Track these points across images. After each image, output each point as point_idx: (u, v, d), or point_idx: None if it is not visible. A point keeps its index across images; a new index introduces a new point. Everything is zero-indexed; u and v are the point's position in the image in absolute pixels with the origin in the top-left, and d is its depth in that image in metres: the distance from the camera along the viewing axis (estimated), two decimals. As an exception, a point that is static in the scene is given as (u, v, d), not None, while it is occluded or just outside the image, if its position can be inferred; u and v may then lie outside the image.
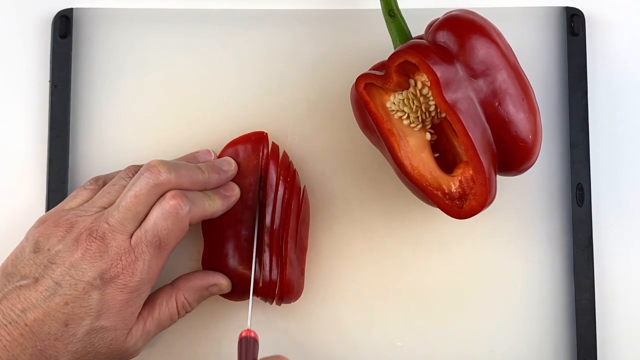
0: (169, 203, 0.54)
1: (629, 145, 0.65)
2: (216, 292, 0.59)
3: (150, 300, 0.57)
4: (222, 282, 0.59)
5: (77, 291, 0.52)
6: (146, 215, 0.54)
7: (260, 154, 0.60)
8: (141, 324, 0.56)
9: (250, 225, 0.59)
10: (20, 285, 0.52)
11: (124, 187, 0.56)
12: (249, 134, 0.61)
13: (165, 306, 0.57)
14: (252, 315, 0.56)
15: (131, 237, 0.53)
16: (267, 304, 0.61)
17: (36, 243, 0.54)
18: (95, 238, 0.53)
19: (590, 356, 0.62)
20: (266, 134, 0.61)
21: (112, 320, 0.53)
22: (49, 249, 0.53)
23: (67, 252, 0.53)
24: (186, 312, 0.59)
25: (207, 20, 0.65)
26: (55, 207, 0.57)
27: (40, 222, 0.56)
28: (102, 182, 0.59)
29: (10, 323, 0.51)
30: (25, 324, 0.51)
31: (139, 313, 0.56)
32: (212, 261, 0.60)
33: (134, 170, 0.57)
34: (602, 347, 0.63)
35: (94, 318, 0.52)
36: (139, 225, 0.54)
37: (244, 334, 0.54)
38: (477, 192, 0.54)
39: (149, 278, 0.54)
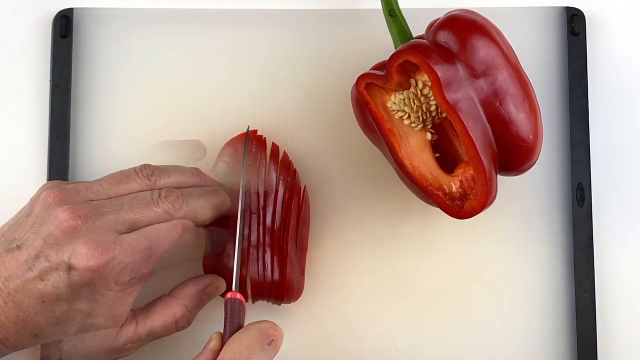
0: (177, 229, 0.54)
1: (629, 145, 0.65)
2: (214, 292, 0.59)
3: (147, 307, 0.57)
4: (217, 281, 0.59)
5: (52, 271, 0.51)
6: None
7: (252, 150, 0.60)
8: (133, 325, 0.56)
9: (250, 225, 0.59)
10: (10, 248, 0.53)
11: (148, 203, 0.55)
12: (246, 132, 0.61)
13: (160, 314, 0.57)
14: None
15: (123, 236, 0.53)
16: (266, 303, 0.61)
17: (48, 207, 0.53)
18: (94, 242, 0.52)
19: (591, 356, 0.62)
20: (257, 132, 0.61)
21: (101, 319, 0.54)
22: (47, 223, 0.53)
23: (62, 237, 0.52)
24: (188, 323, 0.58)
25: (207, 20, 0.65)
26: (94, 181, 0.56)
27: (63, 191, 0.54)
28: (155, 178, 0.57)
29: None
30: (8, 293, 0.52)
31: (134, 315, 0.56)
32: (212, 262, 0.60)
33: (149, 172, 0.57)
34: (602, 347, 0.63)
35: (84, 317, 0.53)
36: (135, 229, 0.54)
37: (229, 296, 0.53)
38: (477, 192, 0.54)
39: (138, 278, 0.54)
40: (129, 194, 0.55)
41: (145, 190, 0.56)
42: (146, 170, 0.57)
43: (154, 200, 0.55)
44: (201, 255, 0.60)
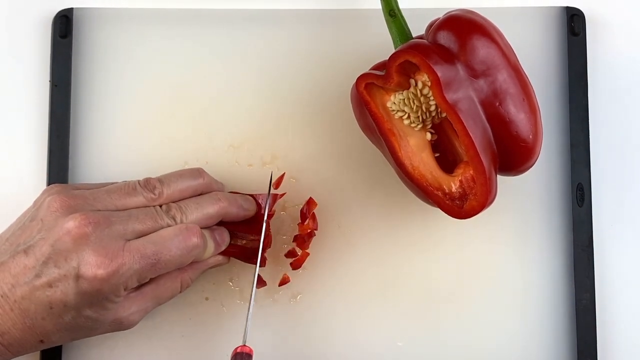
0: (183, 233, 0.55)
1: (629, 145, 0.65)
2: (213, 262, 0.60)
3: (152, 280, 0.57)
4: (219, 257, 0.60)
5: (61, 278, 0.51)
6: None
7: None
8: (139, 297, 0.56)
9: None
10: (15, 253, 0.52)
11: (154, 215, 0.55)
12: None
13: (169, 286, 0.58)
14: (249, 321, 0.56)
15: (131, 241, 0.53)
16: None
17: (55, 217, 0.53)
18: (104, 249, 0.52)
19: (591, 356, 0.62)
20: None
21: (108, 324, 0.55)
22: (57, 231, 0.52)
23: (71, 244, 0.52)
24: (191, 283, 0.60)
25: (207, 20, 0.65)
26: (100, 191, 0.56)
27: (71, 197, 0.54)
28: (158, 190, 0.57)
29: (2, 296, 0.52)
30: (15, 300, 0.52)
31: (141, 288, 0.56)
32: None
33: (151, 187, 0.57)
34: (602, 347, 0.63)
35: (92, 322, 0.53)
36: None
37: (239, 350, 0.55)
38: (477, 192, 0.54)
39: (138, 281, 0.54)
40: (135, 207, 0.56)
41: (150, 206, 0.56)
42: (149, 185, 0.57)
43: (159, 214, 0.56)
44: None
